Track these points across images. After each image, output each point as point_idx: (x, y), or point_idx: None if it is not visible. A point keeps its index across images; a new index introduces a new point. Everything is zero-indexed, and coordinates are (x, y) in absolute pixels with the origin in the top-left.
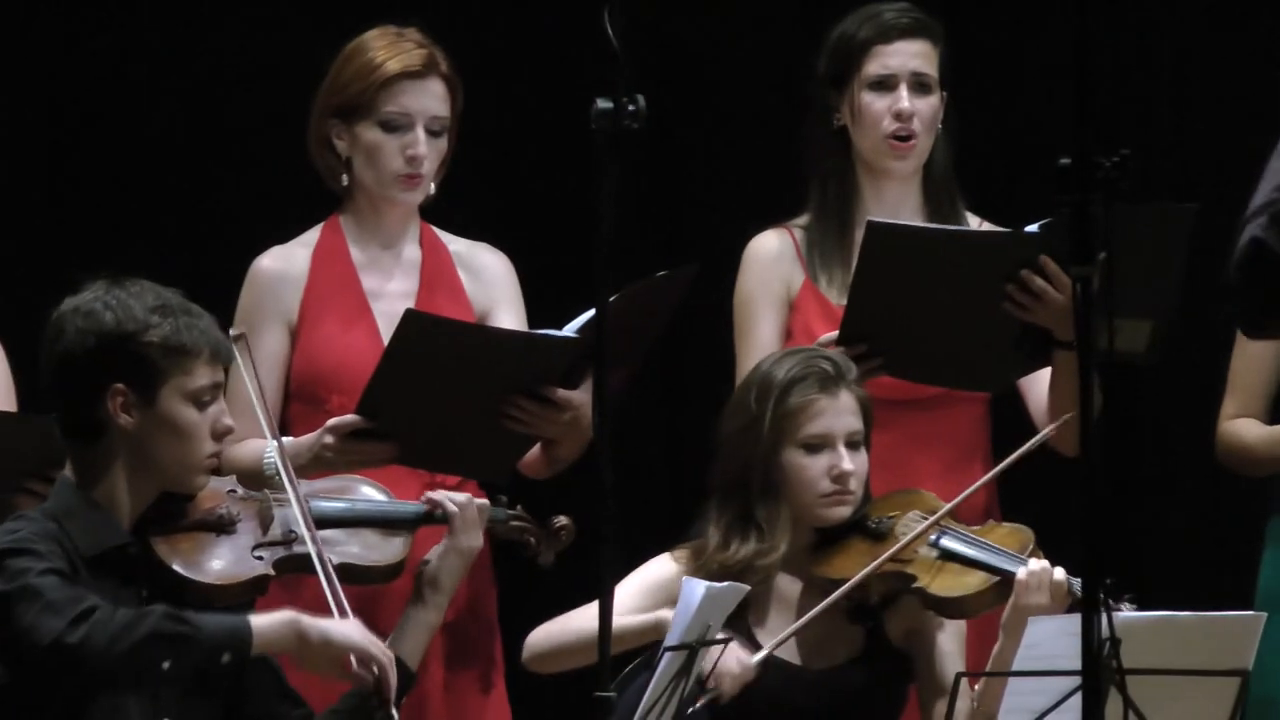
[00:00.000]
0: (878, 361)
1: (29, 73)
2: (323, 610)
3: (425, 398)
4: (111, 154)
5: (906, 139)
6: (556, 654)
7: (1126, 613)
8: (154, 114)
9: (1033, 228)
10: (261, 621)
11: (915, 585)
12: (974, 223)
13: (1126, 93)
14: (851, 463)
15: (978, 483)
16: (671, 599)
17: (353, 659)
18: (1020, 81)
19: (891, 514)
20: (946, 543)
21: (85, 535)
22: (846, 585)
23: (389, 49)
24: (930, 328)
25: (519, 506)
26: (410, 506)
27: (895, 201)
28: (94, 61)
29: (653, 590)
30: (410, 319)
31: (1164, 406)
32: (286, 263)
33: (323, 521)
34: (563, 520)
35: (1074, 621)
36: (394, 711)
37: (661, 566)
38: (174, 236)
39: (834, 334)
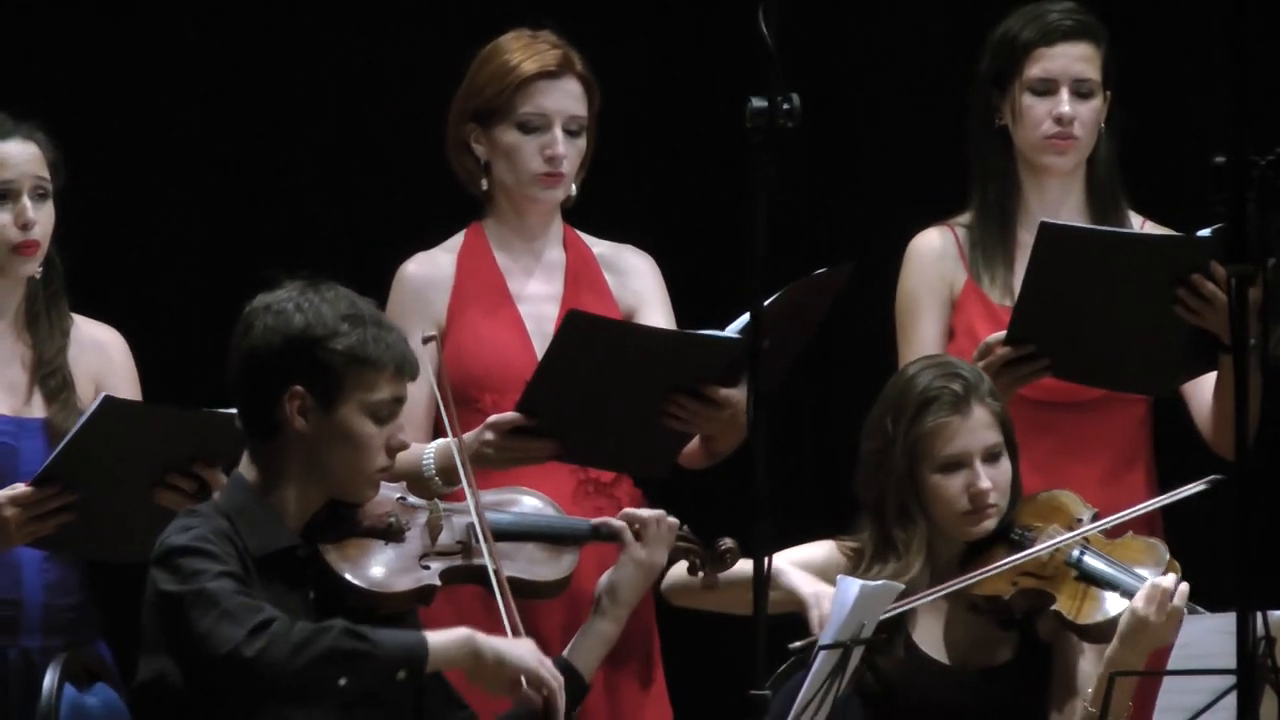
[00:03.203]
0: (1044, 362)
1: (181, 80)
2: (482, 617)
3: (586, 395)
4: (260, 162)
5: (1066, 139)
6: (694, 591)
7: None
8: (299, 121)
9: (1204, 232)
10: (437, 640)
11: (1054, 608)
12: (1137, 221)
13: None
14: (988, 479)
15: (1120, 515)
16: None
17: (523, 680)
18: (1186, 77)
19: (1035, 526)
20: (1085, 562)
21: (255, 535)
22: (968, 578)
23: (524, 50)
24: (1098, 329)
25: (685, 527)
26: (582, 523)
27: (1057, 199)
28: (242, 69)
29: (806, 568)
30: (573, 319)
31: None
32: (433, 267)
33: (495, 534)
34: (728, 543)
35: (1229, 620)
36: None
37: (824, 549)
38: (319, 242)
39: (1001, 334)
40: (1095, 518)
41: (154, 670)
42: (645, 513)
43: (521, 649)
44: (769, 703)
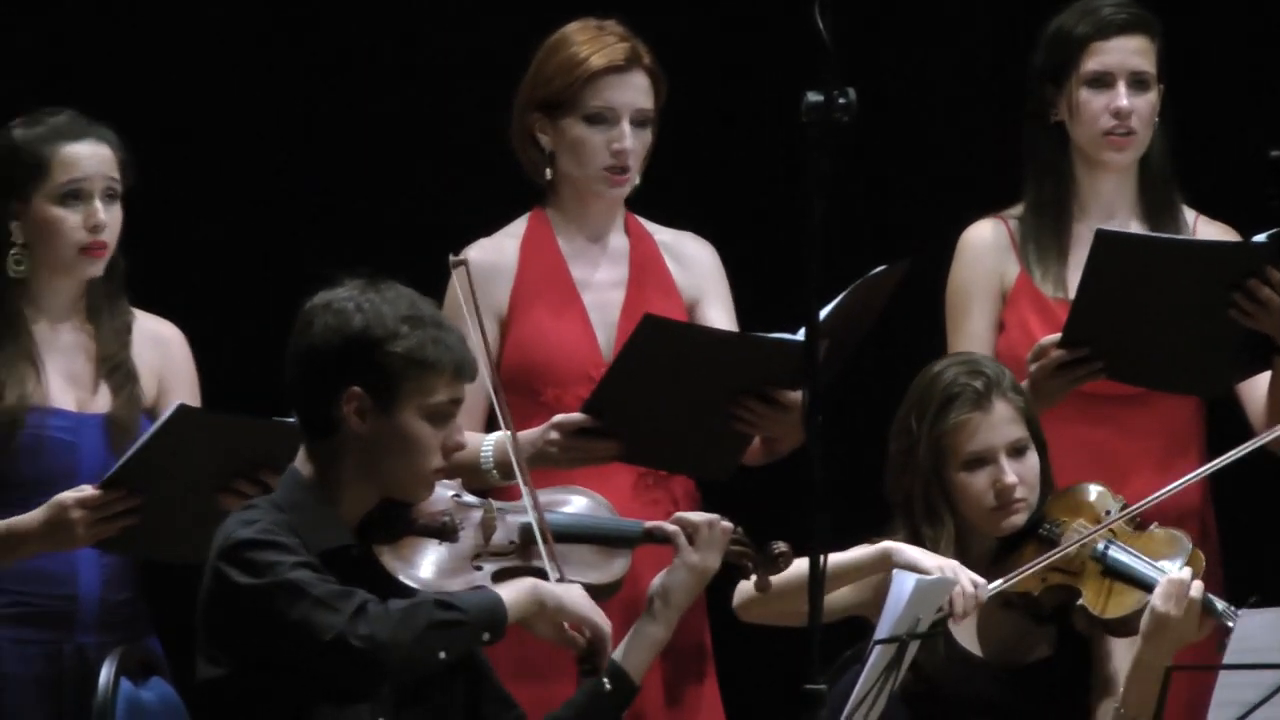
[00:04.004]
0: (1099, 365)
1: (236, 69)
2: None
3: (654, 398)
4: (318, 149)
5: (1125, 134)
6: (768, 596)
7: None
8: (360, 106)
9: (1260, 237)
10: (510, 596)
11: (1080, 602)
12: (1191, 217)
13: None
14: (1014, 473)
15: (1144, 501)
16: (871, 579)
17: (572, 624)
18: (1240, 72)
19: (1063, 520)
20: (1110, 556)
21: (311, 532)
22: (1000, 582)
23: (592, 43)
24: (1153, 333)
25: (739, 529)
26: (635, 525)
27: (1111, 196)
28: (298, 59)
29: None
30: (648, 324)
31: None
32: (496, 254)
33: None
34: (781, 546)
35: None
36: (605, 679)
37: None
38: (378, 229)
39: (1056, 336)
40: (1123, 509)
41: (219, 667)
42: (698, 517)
43: (577, 595)
44: (824, 697)
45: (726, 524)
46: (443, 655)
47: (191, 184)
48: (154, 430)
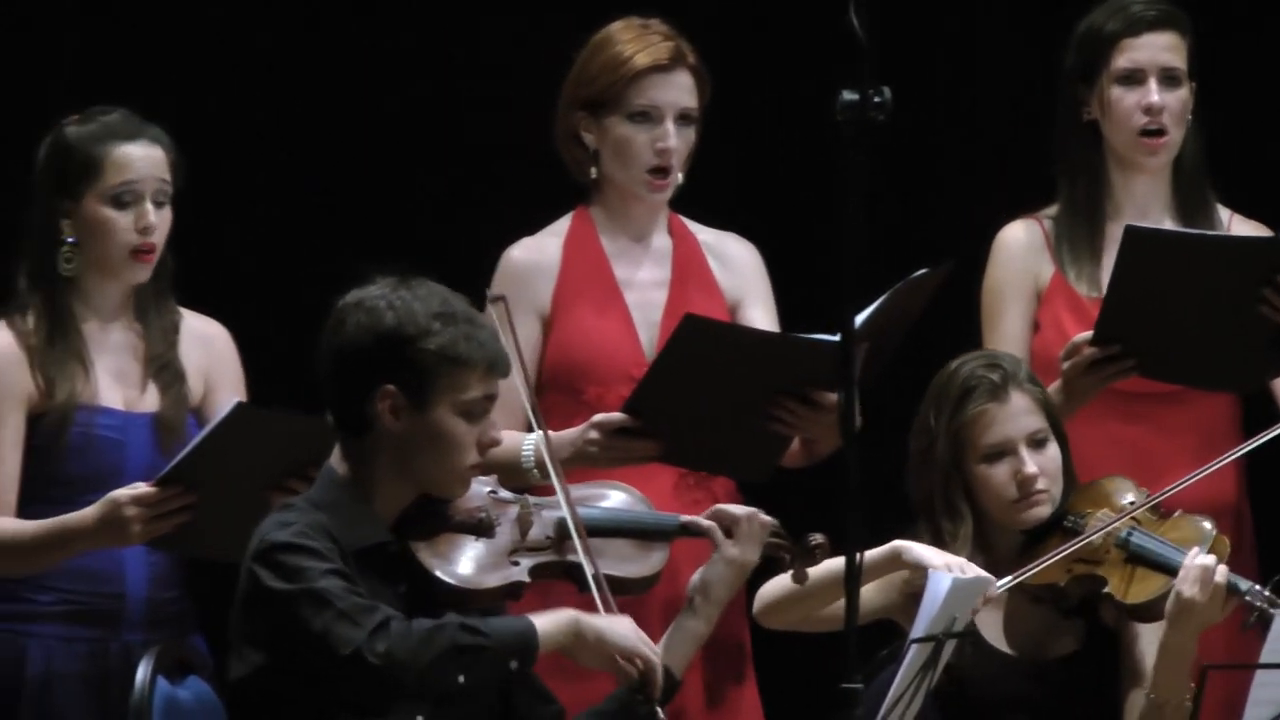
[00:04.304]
0: (1130, 362)
1: (276, 68)
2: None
3: (694, 398)
4: (359, 147)
5: (1157, 134)
6: (788, 601)
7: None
8: (398, 103)
9: None
10: (545, 625)
11: (1105, 590)
12: (1225, 215)
13: None
14: (1035, 464)
15: (1165, 490)
16: (895, 582)
17: (620, 657)
18: (1272, 69)
19: (1086, 512)
20: (1133, 542)
21: (348, 530)
22: (1017, 575)
23: (636, 42)
24: (1184, 329)
25: (777, 523)
26: (671, 519)
27: (1145, 195)
28: (340, 55)
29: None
30: (689, 323)
31: None
32: (539, 253)
33: (585, 529)
34: (818, 539)
35: None
36: (659, 710)
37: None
38: (420, 227)
39: (1088, 334)
40: (1147, 499)
41: (248, 666)
42: (737, 510)
43: (622, 627)
44: (861, 696)
45: (765, 517)
46: (462, 680)
47: (232, 183)
48: (212, 428)
